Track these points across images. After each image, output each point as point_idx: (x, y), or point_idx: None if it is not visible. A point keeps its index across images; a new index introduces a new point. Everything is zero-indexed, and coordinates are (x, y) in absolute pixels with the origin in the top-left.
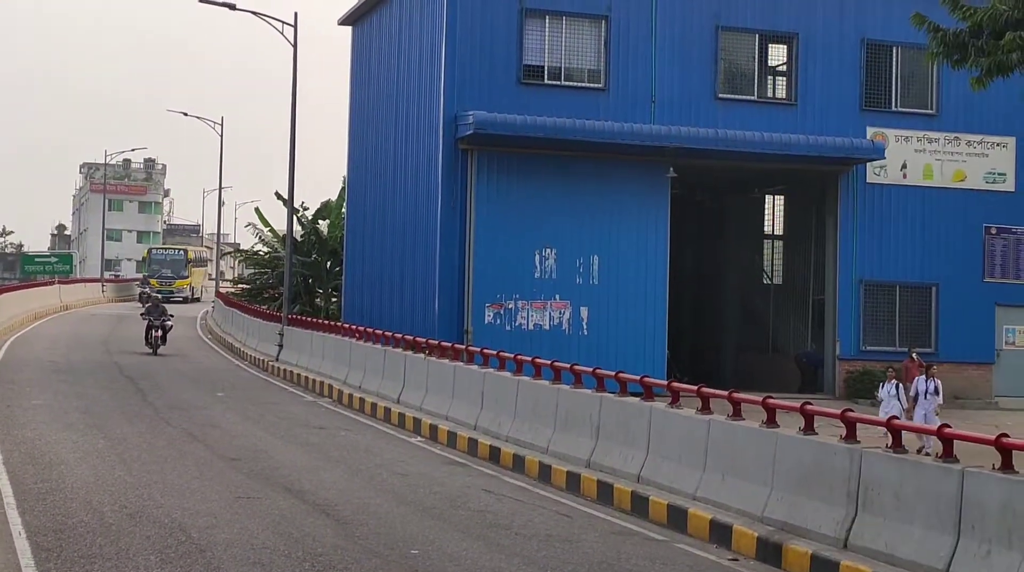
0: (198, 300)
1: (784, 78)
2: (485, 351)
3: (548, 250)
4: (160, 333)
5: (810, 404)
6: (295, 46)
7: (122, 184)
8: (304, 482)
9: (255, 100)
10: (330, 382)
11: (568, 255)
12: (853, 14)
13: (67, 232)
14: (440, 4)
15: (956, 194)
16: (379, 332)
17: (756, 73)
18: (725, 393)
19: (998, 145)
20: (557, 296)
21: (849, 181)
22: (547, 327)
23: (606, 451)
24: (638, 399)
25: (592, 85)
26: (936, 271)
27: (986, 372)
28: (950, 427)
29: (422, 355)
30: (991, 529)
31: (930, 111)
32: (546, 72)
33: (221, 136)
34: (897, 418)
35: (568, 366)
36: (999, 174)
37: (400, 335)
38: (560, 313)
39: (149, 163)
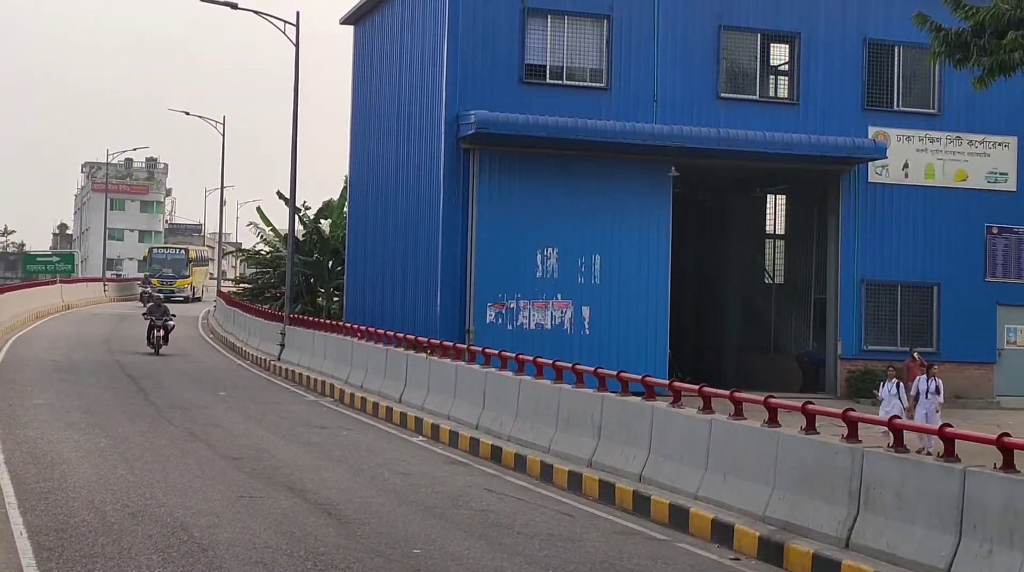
0: (199, 300)
1: (786, 78)
2: (487, 351)
3: (550, 249)
4: (162, 333)
5: (811, 404)
6: (297, 45)
7: (124, 183)
8: (306, 481)
9: (257, 99)
10: (332, 381)
11: (570, 254)
12: (855, 14)
13: (69, 231)
14: (442, 3)
15: (958, 194)
16: (381, 331)
17: (758, 72)
18: (727, 393)
19: (1000, 145)
20: (559, 295)
21: (851, 180)
22: (549, 327)
23: (608, 451)
24: (640, 399)
25: (594, 84)
26: (938, 271)
27: (987, 371)
28: (952, 426)
29: (424, 355)
30: (993, 528)
31: (932, 111)
32: (548, 71)
33: (223, 135)
34: (898, 417)
35: (570, 366)
36: (1001, 174)
37: (402, 334)
38: (562, 312)
39: (151, 162)
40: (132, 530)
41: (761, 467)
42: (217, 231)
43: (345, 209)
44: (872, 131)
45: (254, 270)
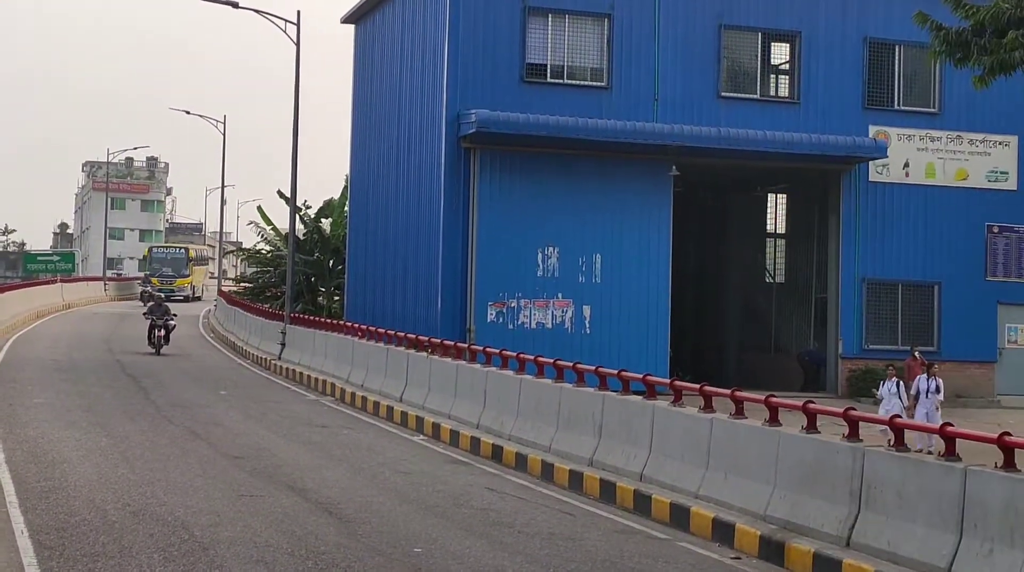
0: (199, 299)
1: (787, 77)
2: (488, 350)
3: (551, 249)
4: (163, 333)
5: (812, 403)
6: (297, 44)
7: (124, 183)
8: (307, 480)
9: (257, 99)
10: (332, 381)
11: (571, 254)
12: (856, 13)
13: (69, 231)
14: (443, 2)
15: (958, 193)
16: (381, 330)
17: (759, 72)
18: (728, 392)
19: (1000, 144)
20: (560, 295)
21: (851, 180)
22: (550, 326)
23: (609, 450)
24: (641, 398)
25: (595, 84)
26: (938, 270)
27: (988, 371)
28: (952, 425)
29: (425, 354)
30: (994, 528)
31: (932, 110)
32: (549, 70)
33: (223, 135)
34: (899, 417)
35: (571, 365)
36: (1001, 173)
37: (403, 334)
38: (563, 312)
39: (151, 162)
40: (133, 529)
41: (762, 466)
42: (218, 230)
43: (346, 208)
44: (873, 130)
45: (255, 269)
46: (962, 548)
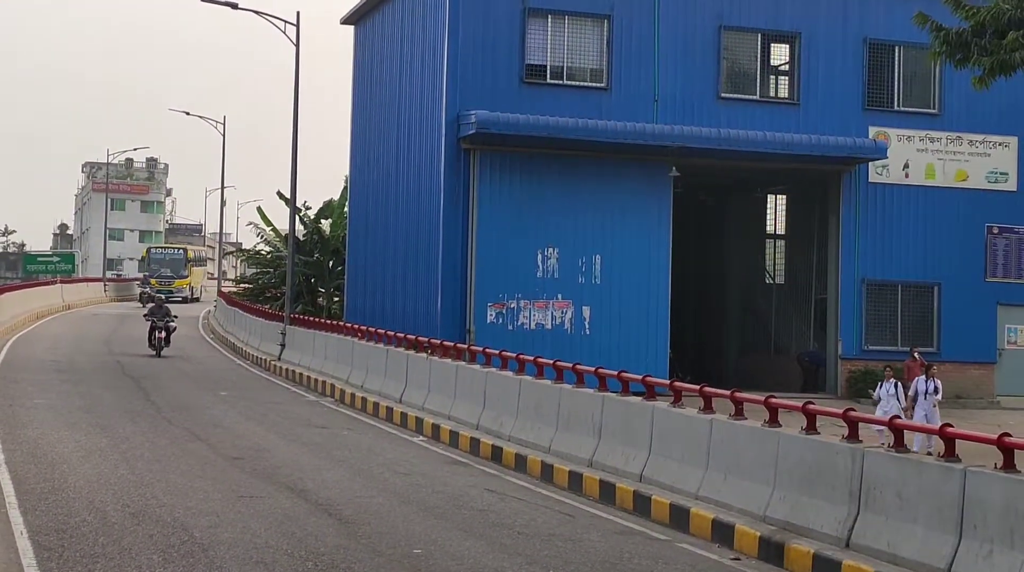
0: (197, 300)
1: (786, 78)
2: (487, 350)
3: (550, 249)
4: (164, 334)
5: (812, 403)
6: (297, 45)
7: (124, 183)
8: (307, 481)
9: (257, 99)
10: (332, 382)
11: (570, 254)
12: (856, 14)
13: (69, 231)
14: (443, 3)
15: (958, 194)
16: (381, 331)
17: (758, 72)
18: (727, 392)
19: (1000, 145)
20: (559, 295)
21: (851, 181)
22: (549, 327)
23: (608, 451)
24: (640, 399)
25: (594, 84)
26: (938, 271)
27: (988, 371)
28: (952, 426)
29: (424, 355)
30: (993, 529)
31: (932, 111)
32: (548, 71)
33: (223, 135)
34: (899, 418)
35: (570, 366)
36: (1001, 174)
37: (402, 335)
38: (562, 313)
39: (151, 162)
40: (133, 530)
41: (761, 467)
42: (217, 231)
43: (346, 209)
44: (873, 131)
45: (255, 270)
46: (962, 549)
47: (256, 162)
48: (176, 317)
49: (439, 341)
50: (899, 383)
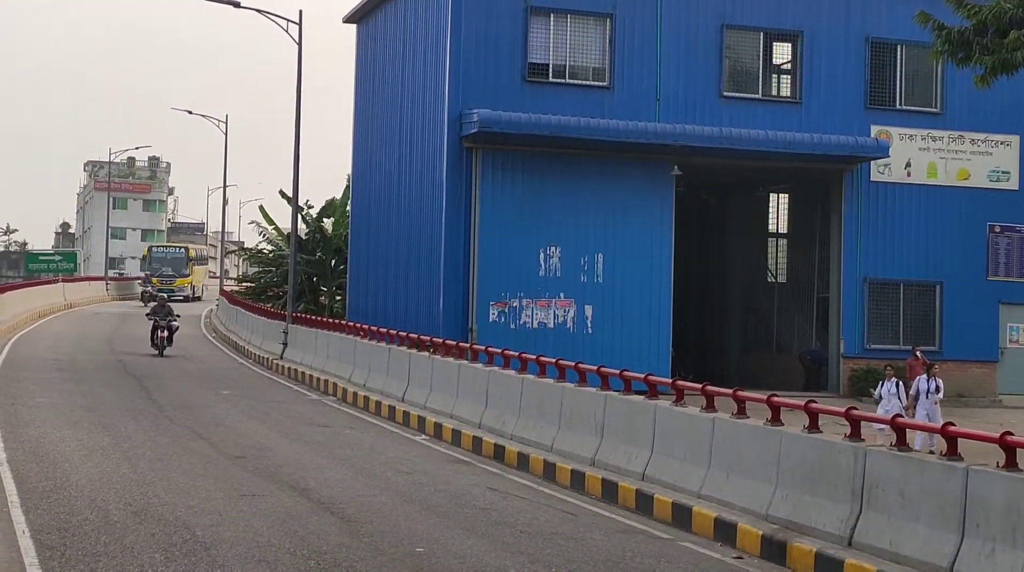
0: (199, 299)
1: (789, 76)
2: (489, 349)
3: (552, 248)
4: (166, 334)
5: (814, 402)
6: (300, 44)
7: (126, 182)
8: (309, 480)
9: (259, 98)
10: (335, 380)
11: (572, 253)
12: (858, 12)
13: (71, 230)
14: (445, 2)
15: (960, 192)
16: (383, 330)
17: (761, 71)
18: (729, 391)
19: (1002, 143)
20: (561, 294)
21: (853, 179)
22: (551, 325)
23: (611, 449)
24: (642, 397)
25: (597, 83)
26: (940, 269)
27: (990, 370)
28: (954, 425)
29: (427, 353)
30: (995, 527)
31: (934, 109)
32: (551, 70)
33: (225, 134)
34: (901, 416)
35: (572, 364)
36: (1003, 172)
37: (404, 333)
38: (564, 311)
39: (153, 161)
40: (135, 529)
41: (764, 466)
42: (220, 230)
43: (348, 208)
44: (875, 130)
45: (257, 269)
46: (964, 548)
47: (258, 161)
48: (179, 316)
49: (441, 340)
50: (900, 382)
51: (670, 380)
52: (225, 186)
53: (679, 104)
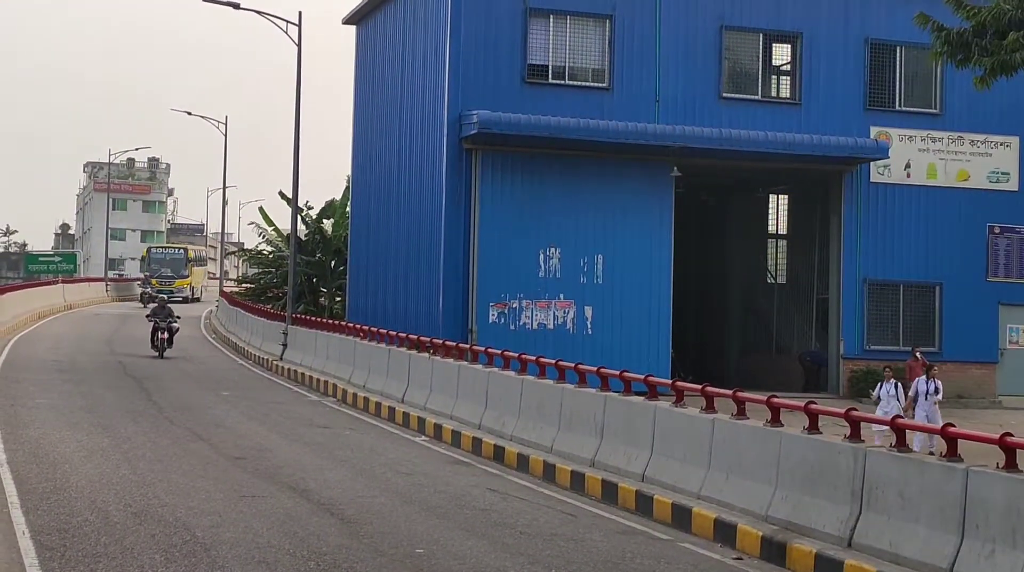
0: (198, 300)
1: (788, 78)
2: (489, 350)
3: (552, 249)
4: (166, 335)
5: (814, 403)
6: (299, 45)
7: (126, 183)
8: (309, 481)
9: (259, 99)
10: (334, 381)
11: (572, 254)
12: (857, 14)
13: (71, 231)
14: (444, 3)
15: (960, 193)
16: (383, 331)
17: (760, 73)
18: (729, 392)
19: (1002, 144)
20: (561, 295)
21: (853, 180)
22: (551, 326)
23: (610, 450)
24: (642, 398)
25: (596, 84)
26: (940, 270)
27: (990, 371)
28: (954, 426)
29: (426, 354)
30: (995, 528)
31: (934, 110)
32: (550, 71)
33: (225, 135)
34: (901, 418)
35: (572, 365)
36: (1003, 173)
37: (404, 334)
38: (564, 312)
39: (153, 162)
40: (135, 530)
41: (764, 467)
42: (219, 231)
43: (347, 209)
44: (874, 131)
45: (256, 270)
46: (964, 549)
47: (258, 162)
48: (179, 318)
49: (441, 341)
50: (899, 383)
51: (670, 381)
52: (225, 187)
53: (678, 105)
